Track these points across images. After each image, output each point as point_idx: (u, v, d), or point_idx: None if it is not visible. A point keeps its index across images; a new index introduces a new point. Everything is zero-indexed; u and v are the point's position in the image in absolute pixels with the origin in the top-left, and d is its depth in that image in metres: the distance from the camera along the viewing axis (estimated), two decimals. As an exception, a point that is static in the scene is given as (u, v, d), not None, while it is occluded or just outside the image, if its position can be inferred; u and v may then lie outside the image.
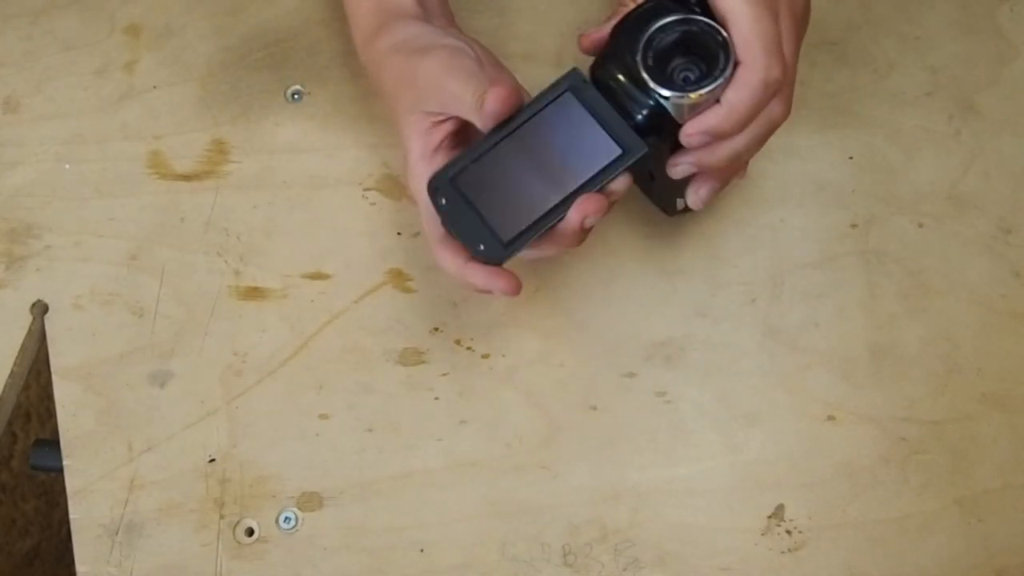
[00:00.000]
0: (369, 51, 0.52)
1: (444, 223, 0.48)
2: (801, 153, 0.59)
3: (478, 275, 0.48)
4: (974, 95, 0.61)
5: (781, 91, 0.45)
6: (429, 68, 0.48)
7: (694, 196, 0.49)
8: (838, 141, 0.59)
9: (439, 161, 0.48)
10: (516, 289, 0.47)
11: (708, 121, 0.44)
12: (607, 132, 0.46)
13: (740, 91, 0.43)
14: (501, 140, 0.46)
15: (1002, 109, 0.60)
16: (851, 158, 0.59)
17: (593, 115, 0.46)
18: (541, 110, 0.46)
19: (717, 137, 0.45)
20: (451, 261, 0.48)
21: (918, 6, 0.62)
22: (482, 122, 0.46)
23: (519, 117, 0.46)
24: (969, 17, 0.62)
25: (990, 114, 0.60)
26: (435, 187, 0.47)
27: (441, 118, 0.48)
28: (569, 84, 0.46)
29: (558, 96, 0.46)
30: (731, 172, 0.50)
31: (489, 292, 0.48)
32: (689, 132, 0.45)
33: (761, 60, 0.43)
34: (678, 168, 0.47)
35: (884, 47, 0.62)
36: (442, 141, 0.49)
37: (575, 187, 0.46)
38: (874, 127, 0.60)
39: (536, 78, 0.60)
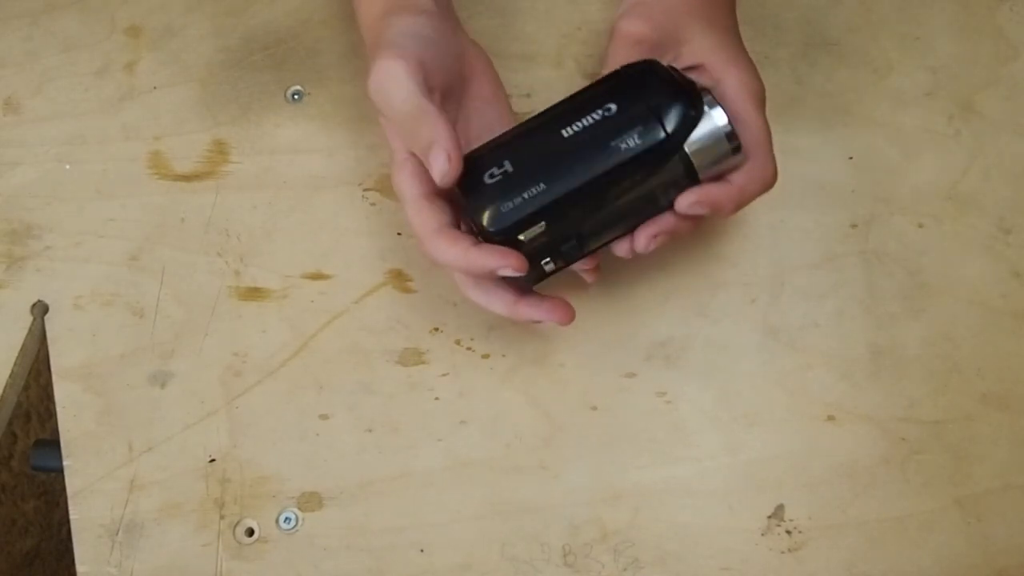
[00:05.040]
0: (372, 32, 0.51)
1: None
2: (801, 153, 0.59)
3: (488, 256, 0.46)
4: (974, 95, 0.61)
5: None
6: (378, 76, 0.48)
7: (645, 240, 0.49)
8: (838, 141, 0.59)
9: (406, 171, 0.48)
10: (523, 267, 0.46)
11: (715, 195, 0.47)
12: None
13: (753, 184, 0.48)
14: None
15: (1002, 109, 0.60)
16: (851, 158, 0.59)
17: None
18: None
19: (714, 210, 0.47)
20: (452, 249, 0.47)
21: (918, 6, 0.62)
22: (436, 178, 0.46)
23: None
24: (969, 17, 0.62)
25: (990, 114, 0.60)
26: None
27: None
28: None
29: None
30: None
31: (495, 279, 0.47)
32: (695, 200, 0.47)
33: (770, 163, 0.48)
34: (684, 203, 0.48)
35: (884, 47, 0.62)
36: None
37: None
38: (874, 127, 0.60)
39: (536, 78, 0.60)
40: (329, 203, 0.59)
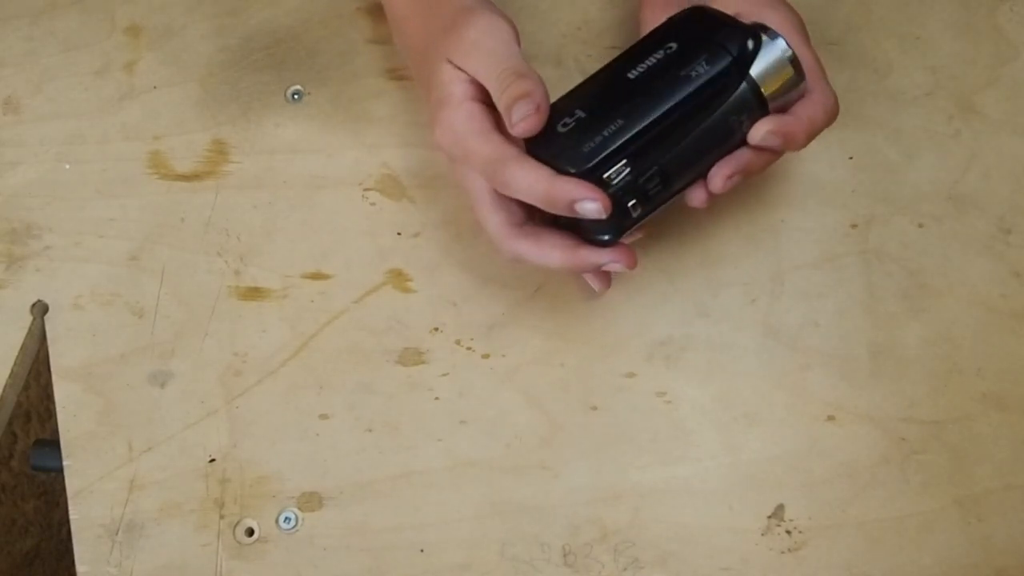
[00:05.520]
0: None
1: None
2: (801, 153, 0.59)
3: (574, 187, 0.44)
4: (974, 95, 0.61)
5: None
6: (478, 31, 0.48)
7: (722, 181, 0.49)
8: (838, 141, 0.59)
9: (463, 110, 0.48)
10: (608, 204, 0.45)
11: (790, 127, 0.47)
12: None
13: (819, 114, 0.48)
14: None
15: (1002, 109, 0.60)
16: (851, 158, 0.59)
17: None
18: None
19: (787, 140, 0.48)
20: (532, 174, 0.45)
21: (918, 6, 0.63)
22: (510, 127, 0.46)
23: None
24: (969, 17, 0.62)
25: (990, 114, 0.60)
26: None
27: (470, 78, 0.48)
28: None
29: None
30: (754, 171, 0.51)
31: (577, 213, 0.45)
32: (771, 128, 0.47)
33: (830, 92, 0.49)
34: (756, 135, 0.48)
35: (884, 47, 0.62)
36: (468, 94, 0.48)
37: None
38: (874, 127, 0.60)
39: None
40: (329, 203, 0.59)
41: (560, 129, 0.46)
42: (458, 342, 0.56)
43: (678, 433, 0.55)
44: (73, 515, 0.53)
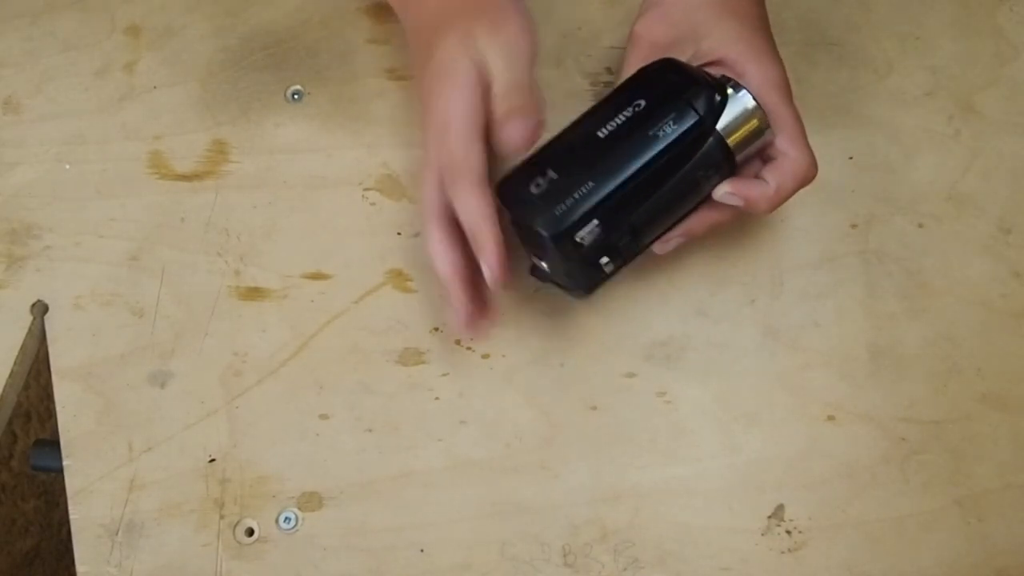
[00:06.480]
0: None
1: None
2: (801, 153, 0.59)
3: (490, 244, 0.46)
4: (974, 95, 0.61)
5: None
6: (515, 27, 0.49)
7: (664, 244, 0.51)
8: (838, 141, 0.59)
9: (465, 98, 0.48)
10: (500, 276, 0.46)
11: (751, 191, 0.48)
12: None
13: (787, 180, 0.49)
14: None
15: (1002, 109, 0.60)
16: (851, 158, 0.59)
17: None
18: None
19: (749, 204, 0.49)
20: (479, 210, 0.46)
21: (918, 6, 0.63)
22: (498, 139, 0.47)
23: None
24: (969, 17, 0.62)
25: (990, 114, 0.60)
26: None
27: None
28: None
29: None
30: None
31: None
32: (729, 190, 0.48)
33: (805, 155, 0.49)
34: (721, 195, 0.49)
35: (884, 47, 0.62)
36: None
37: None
38: (874, 127, 0.60)
39: (536, 78, 0.60)
40: (329, 203, 0.59)
41: (533, 190, 0.47)
42: (458, 342, 0.56)
43: (678, 433, 0.55)
44: (73, 515, 0.53)
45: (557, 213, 0.46)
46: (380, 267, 0.57)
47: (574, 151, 0.47)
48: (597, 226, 0.46)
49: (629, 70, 0.50)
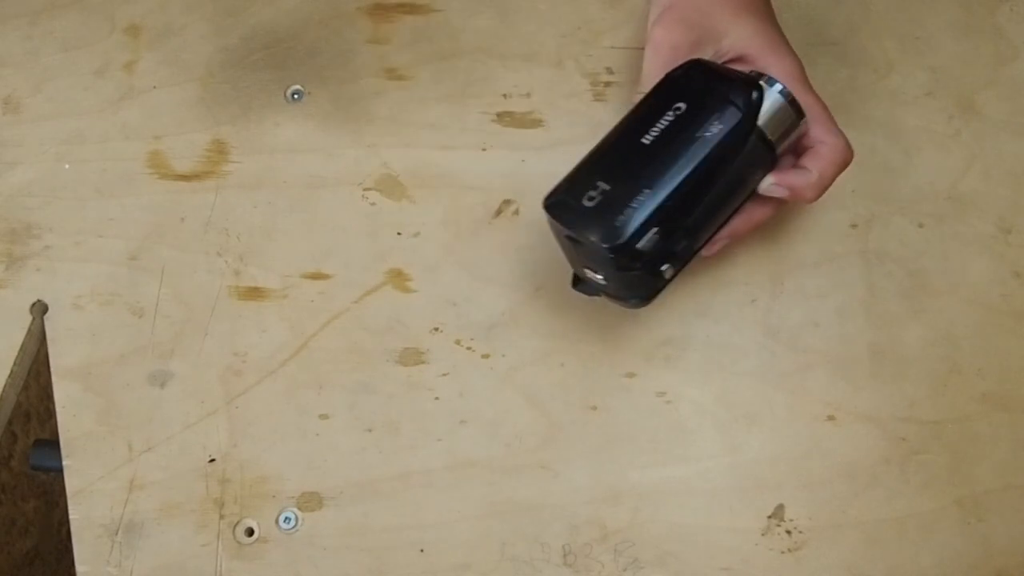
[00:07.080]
0: None
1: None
2: (801, 153, 0.59)
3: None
4: (974, 95, 0.61)
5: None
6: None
7: (712, 247, 0.51)
8: (838, 141, 0.59)
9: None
10: None
11: (796, 180, 0.49)
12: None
13: (827, 167, 0.50)
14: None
15: (1002, 109, 0.60)
16: (851, 158, 0.59)
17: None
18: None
19: (794, 194, 0.49)
20: None
21: (918, 6, 0.63)
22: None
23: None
24: (969, 17, 0.62)
25: (990, 114, 0.60)
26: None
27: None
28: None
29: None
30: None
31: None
32: (775, 181, 0.49)
33: (838, 138, 0.50)
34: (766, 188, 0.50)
35: (884, 47, 0.62)
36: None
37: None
38: (874, 127, 0.60)
39: (536, 78, 0.60)
40: (329, 203, 0.59)
41: (587, 203, 0.46)
42: (458, 342, 0.56)
43: (678, 433, 0.55)
44: (73, 515, 0.53)
45: (617, 224, 0.45)
46: (380, 267, 0.57)
47: (622, 160, 0.47)
48: (656, 233, 0.45)
49: (651, 75, 0.50)
